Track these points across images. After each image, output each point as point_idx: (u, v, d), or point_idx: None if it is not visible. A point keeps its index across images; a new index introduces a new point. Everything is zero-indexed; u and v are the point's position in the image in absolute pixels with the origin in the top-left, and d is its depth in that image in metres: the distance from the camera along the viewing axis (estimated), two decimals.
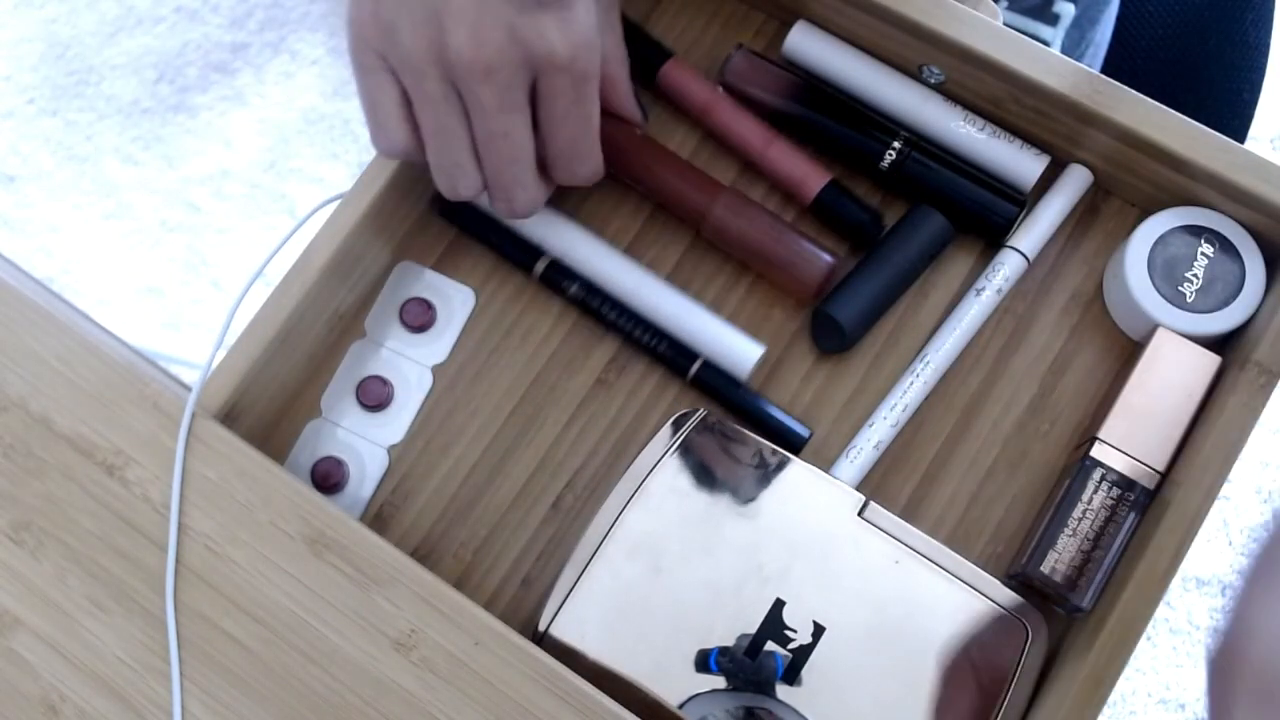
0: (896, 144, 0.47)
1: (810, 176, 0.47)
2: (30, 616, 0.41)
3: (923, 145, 0.47)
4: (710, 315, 0.46)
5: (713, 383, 0.46)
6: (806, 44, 0.49)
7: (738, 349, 0.46)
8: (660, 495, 0.42)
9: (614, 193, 0.49)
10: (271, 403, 0.46)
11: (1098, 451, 0.42)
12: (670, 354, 0.46)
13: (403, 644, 0.40)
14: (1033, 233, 0.47)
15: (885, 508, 0.42)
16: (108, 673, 0.40)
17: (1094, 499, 0.42)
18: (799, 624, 0.40)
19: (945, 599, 0.40)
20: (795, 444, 0.45)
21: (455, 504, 0.46)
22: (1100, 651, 0.39)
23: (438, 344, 0.48)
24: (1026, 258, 0.46)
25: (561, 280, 0.47)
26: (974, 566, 0.41)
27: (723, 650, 0.40)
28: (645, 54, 0.49)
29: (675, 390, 0.47)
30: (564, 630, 0.40)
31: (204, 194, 1.35)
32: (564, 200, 0.49)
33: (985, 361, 0.47)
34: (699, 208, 0.46)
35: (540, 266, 0.47)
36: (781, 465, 0.42)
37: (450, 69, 0.39)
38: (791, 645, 0.40)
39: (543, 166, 0.44)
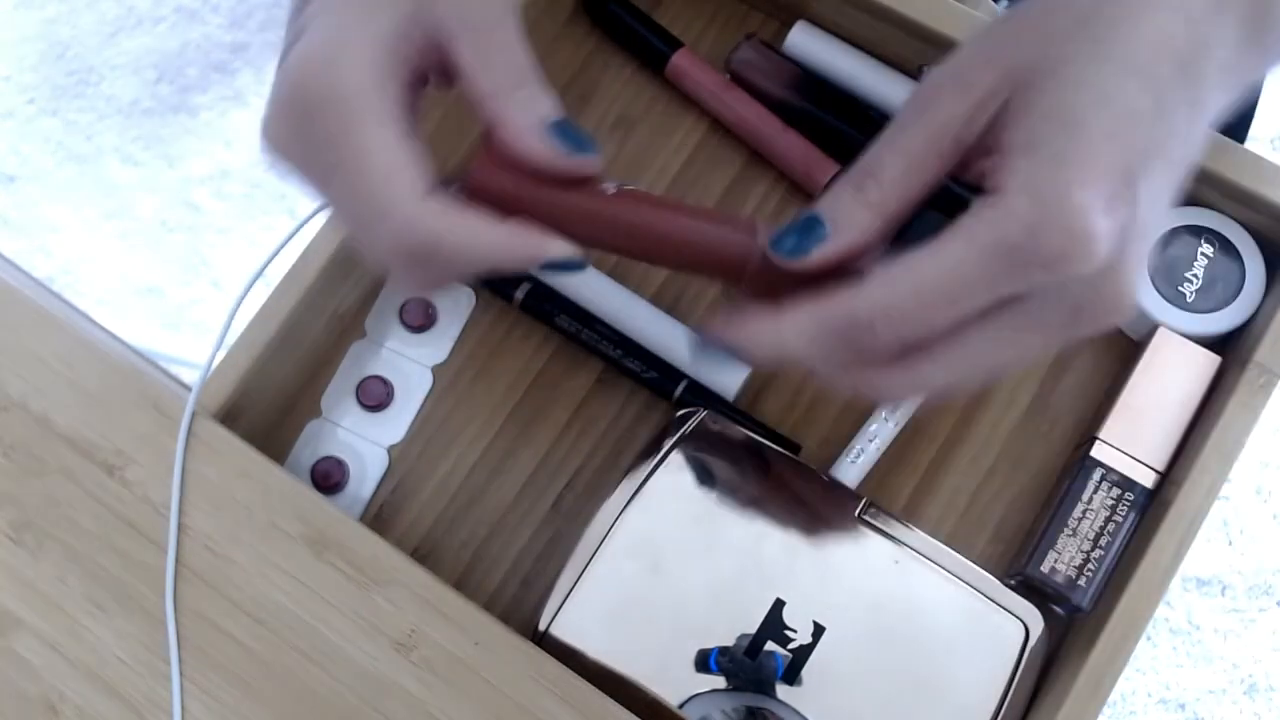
0: None
1: (820, 166, 0.47)
2: (30, 616, 0.41)
3: None
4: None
5: (698, 404, 0.45)
6: (806, 44, 0.49)
7: (724, 371, 0.45)
8: (660, 495, 0.42)
9: None
10: (271, 403, 0.46)
11: (1098, 451, 0.42)
12: (655, 377, 0.46)
13: (403, 644, 0.40)
14: None
15: (885, 508, 0.42)
16: (108, 673, 0.40)
17: (1094, 499, 0.42)
18: (799, 624, 0.40)
19: (945, 599, 0.40)
20: None
21: (455, 504, 0.46)
22: (1100, 651, 0.39)
23: (438, 344, 0.48)
24: None
25: (543, 306, 0.47)
26: (974, 566, 0.41)
27: (723, 650, 0.40)
28: (655, 43, 0.50)
29: (664, 406, 0.47)
30: (564, 630, 0.40)
31: (204, 194, 1.35)
32: None
33: None
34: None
35: (519, 294, 0.47)
36: (782, 465, 0.42)
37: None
38: (791, 645, 0.40)
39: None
